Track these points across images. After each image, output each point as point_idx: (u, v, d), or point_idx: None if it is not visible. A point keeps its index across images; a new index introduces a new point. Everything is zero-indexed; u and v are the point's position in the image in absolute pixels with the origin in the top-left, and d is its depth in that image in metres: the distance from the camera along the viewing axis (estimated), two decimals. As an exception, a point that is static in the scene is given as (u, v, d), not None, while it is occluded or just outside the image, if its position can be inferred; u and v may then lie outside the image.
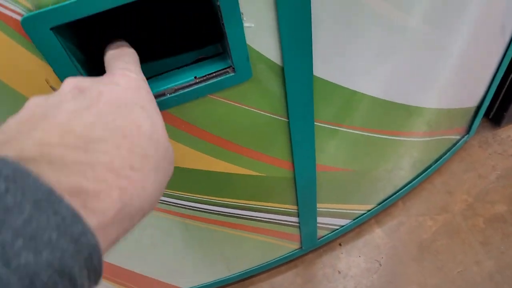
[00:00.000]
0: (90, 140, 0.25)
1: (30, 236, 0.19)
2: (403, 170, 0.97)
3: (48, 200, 0.20)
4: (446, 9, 0.59)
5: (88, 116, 0.27)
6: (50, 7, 0.33)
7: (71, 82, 0.30)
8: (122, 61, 0.35)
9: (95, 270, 0.22)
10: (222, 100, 0.49)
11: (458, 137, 1.10)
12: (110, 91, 0.30)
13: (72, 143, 0.25)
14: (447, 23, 0.63)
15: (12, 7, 0.33)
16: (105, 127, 0.27)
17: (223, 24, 0.40)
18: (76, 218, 0.21)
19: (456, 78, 0.80)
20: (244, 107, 0.51)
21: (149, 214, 0.29)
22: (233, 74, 0.45)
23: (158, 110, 0.32)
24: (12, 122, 0.26)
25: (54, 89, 0.40)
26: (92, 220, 0.22)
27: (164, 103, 0.44)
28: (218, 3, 0.38)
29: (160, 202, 0.63)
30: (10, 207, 0.19)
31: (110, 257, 0.73)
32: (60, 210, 0.20)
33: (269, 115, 0.54)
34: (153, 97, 0.33)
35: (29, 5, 0.33)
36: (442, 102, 0.85)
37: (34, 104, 0.28)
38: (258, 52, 0.45)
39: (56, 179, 0.22)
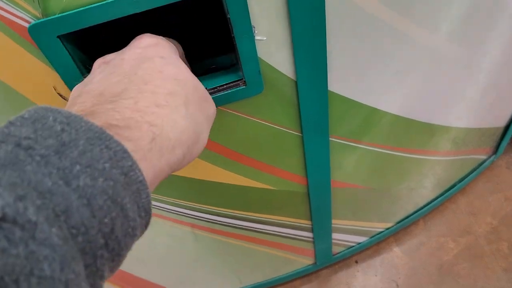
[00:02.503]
0: (116, 94, 0.28)
1: (87, 164, 0.21)
2: (425, 188, 0.94)
3: (99, 137, 0.23)
4: (472, 27, 0.57)
5: (113, 77, 0.30)
6: (58, 15, 0.33)
7: (98, 60, 0.34)
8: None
9: (144, 207, 0.24)
10: (233, 112, 0.48)
11: (484, 157, 1.06)
12: (132, 53, 0.33)
13: (102, 100, 0.28)
14: (473, 41, 0.61)
15: (19, 14, 0.33)
16: (128, 80, 0.29)
17: (233, 36, 0.39)
18: (126, 153, 0.23)
19: (483, 97, 0.77)
20: (256, 120, 0.50)
21: (197, 151, 0.32)
22: (244, 87, 0.44)
23: (180, 59, 0.34)
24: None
25: (61, 96, 0.40)
26: (128, 145, 0.24)
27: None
28: (228, 16, 0.37)
29: (172, 212, 0.62)
30: (66, 142, 0.22)
31: (124, 264, 0.73)
32: (111, 145, 0.23)
33: (282, 128, 0.53)
34: (174, 50, 0.35)
35: (36, 13, 0.33)
36: (469, 122, 0.82)
37: (74, 90, 0.32)
38: (270, 66, 0.44)
39: None
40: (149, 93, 0.29)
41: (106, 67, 0.32)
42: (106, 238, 0.22)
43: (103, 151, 0.22)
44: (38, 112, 0.23)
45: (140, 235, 0.26)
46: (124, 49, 0.34)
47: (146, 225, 0.26)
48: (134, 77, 0.30)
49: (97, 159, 0.22)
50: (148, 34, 0.35)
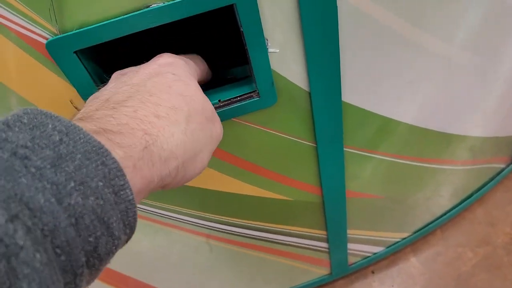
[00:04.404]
0: (119, 102, 0.28)
1: (81, 181, 0.21)
2: (442, 198, 0.93)
3: (97, 152, 0.23)
4: (486, 34, 0.57)
5: (123, 87, 0.30)
6: (74, 31, 0.34)
7: (116, 72, 0.35)
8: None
9: (130, 225, 0.25)
10: (247, 123, 0.49)
11: (502, 165, 1.04)
12: (147, 68, 0.33)
13: (104, 106, 0.28)
14: (488, 49, 0.60)
15: (37, 31, 0.34)
16: (135, 90, 0.30)
17: (246, 49, 0.39)
18: (120, 172, 0.23)
19: (500, 105, 0.76)
20: (269, 131, 0.51)
21: (193, 170, 0.31)
22: (257, 98, 0.44)
23: (193, 79, 0.35)
24: None
25: (78, 109, 0.40)
26: (118, 152, 0.24)
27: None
28: (242, 29, 0.37)
29: (187, 223, 0.63)
30: (63, 155, 0.21)
31: (138, 272, 0.73)
32: (107, 162, 0.23)
33: (296, 139, 0.53)
34: (190, 70, 0.35)
35: (54, 29, 0.34)
36: (486, 130, 0.81)
37: (90, 97, 0.33)
38: (284, 78, 0.45)
39: (82, 126, 0.24)
40: (151, 104, 0.29)
41: (121, 77, 0.33)
42: (88, 256, 0.22)
43: (99, 168, 0.22)
44: (37, 117, 0.23)
45: (121, 248, 0.26)
46: (142, 64, 0.35)
47: (127, 240, 0.26)
48: (142, 88, 0.30)
49: (92, 177, 0.22)
50: (168, 54, 0.36)
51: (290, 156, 0.56)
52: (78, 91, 0.38)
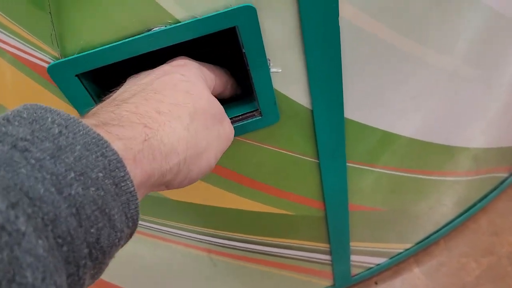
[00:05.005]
0: (123, 99, 0.28)
1: (81, 172, 0.21)
2: (445, 208, 0.92)
3: (96, 143, 0.23)
4: (489, 47, 0.56)
5: (132, 86, 0.31)
6: (76, 55, 0.34)
7: (130, 76, 0.35)
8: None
9: (132, 218, 0.24)
10: (249, 142, 0.48)
11: (506, 175, 1.04)
12: (160, 69, 0.34)
13: (109, 104, 0.28)
14: (492, 62, 0.60)
15: (39, 55, 0.33)
16: (141, 89, 0.30)
17: (249, 69, 0.39)
18: (120, 163, 0.23)
19: (502, 116, 0.75)
20: (271, 148, 0.50)
21: (198, 169, 0.31)
22: (259, 117, 0.44)
23: (202, 81, 0.34)
24: None
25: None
26: (118, 144, 0.24)
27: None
28: (244, 50, 0.37)
29: (188, 238, 0.62)
30: (63, 147, 0.22)
31: (140, 286, 0.73)
32: (107, 153, 0.23)
33: (298, 156, 0.53)
34: (201, 74, 0.35)
35: (56, 54, 0.33)
36: (490, 141, 0.81)
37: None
38: (286, 96, 0.44)
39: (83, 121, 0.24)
40: (154, 101, 0.29)
41: (133, 79, 0.34)
42: (91, 248, 0.22)
43: (98, 159, 0.22)
44: (37, 112, 0.23)
45: (125, 244, 0.26)
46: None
47: (131, 234, 0.26)
48: (148, 86, 0.30)
49: (92, 168, 0.22)
50: (183, 56, 0.36)
51: (293, 172, 0.56)
52: (79, 112, 0.38)
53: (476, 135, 0.75)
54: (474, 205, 1.01)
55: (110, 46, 0.34)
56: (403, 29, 0.45)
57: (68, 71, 0.34)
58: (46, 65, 0.34)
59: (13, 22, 0.32)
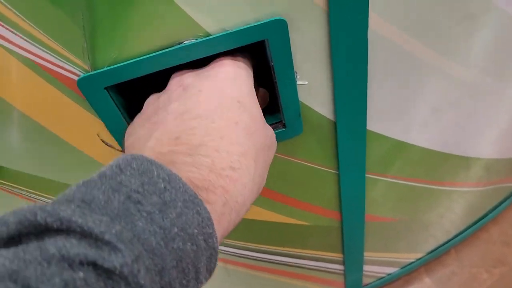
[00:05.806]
0: (193, 147, 0.29)
1: (181, 227, 0.23)
2: (456, 218, 0.92)
3: (193, 201, 0.24)
4: (508, 59, 0.56)
5: (190, 121, 0.30)
6: (106, 68, 0.33)
7: (176, 79, 0.34)
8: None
9: (210, 271, 0.26)
10: (271, 153, 0.48)
11: (517, 185, 1.03)
12: (209, 87, 0.32)
13: (179, 149, 0.28)
14: (510, 74, 0.59)
15: (69, 68, 0.33)
16: (205, 132, 0.29)
17: (275, 82, 0.39)
18: (210, 221, 0.25)
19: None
20: (292, 160, 0.50)
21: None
22: (283, 129, 0.44)
23: (255, 98, 0.34)
24: (136, 122, 0.34)
25: (104, 143, 0.40)
26: (208, 207, 0.26)
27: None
28: (272, 64, 0.37)
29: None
30: (167, 202, 0.23)
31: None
32: (201, 211, 0.24)
33: (318, 167, 0.53)
34: (251, 86, 0.34)
35: (86, 66, 0.33)
36: (503, 151, 0.80)
37: (149, 104, 0.34)
38: (310, 108, 0.44)
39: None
40: (225, 153, 0.29)
41: (183, 95, 0.32)
42: None
43: (195, 217, 0.24)
44: (144, 164, 0.24)
45: None
46: (203, 70, 0.34)
47: (206, 281, 0.27)
48: (210, 126, 0.30)
49: (189, 224, 0.23)
50: (228, 61, 0.34)
51: (311, 183, 0.55)
52: (106, 125, 0.38)
53: (490, 146, 0.75)
54: (486, 215, 1.00)
55: (141, 59, 0.33)
56: (429, 41, 0.44)
57: (98, 84, 0.34)
58: (76, 78, 0.33)
59: (44, 34, 0.31)
